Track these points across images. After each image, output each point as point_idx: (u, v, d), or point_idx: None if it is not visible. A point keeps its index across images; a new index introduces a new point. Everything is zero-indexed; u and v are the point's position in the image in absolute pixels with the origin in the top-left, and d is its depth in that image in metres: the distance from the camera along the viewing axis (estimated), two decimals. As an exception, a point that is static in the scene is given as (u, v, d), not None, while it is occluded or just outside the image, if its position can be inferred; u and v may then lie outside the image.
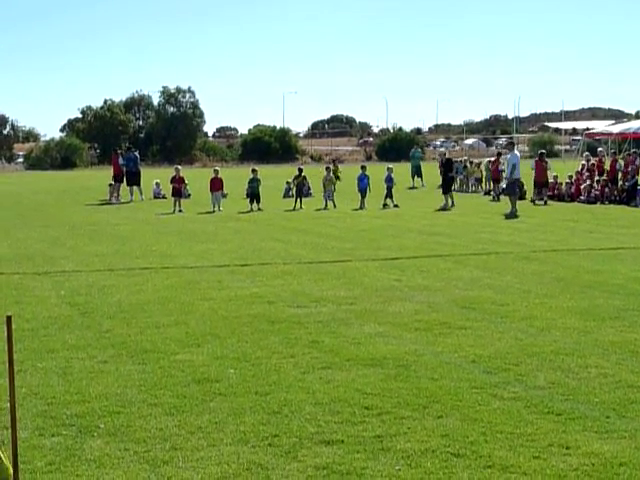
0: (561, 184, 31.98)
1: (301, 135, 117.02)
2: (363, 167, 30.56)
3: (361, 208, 28.33)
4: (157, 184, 35.72)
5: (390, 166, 31.56)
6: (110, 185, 34.52)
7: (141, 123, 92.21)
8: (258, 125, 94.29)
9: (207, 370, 8.40)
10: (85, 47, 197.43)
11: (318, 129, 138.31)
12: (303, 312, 11.16)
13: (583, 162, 33.52)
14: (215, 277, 14.19)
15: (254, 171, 29.61)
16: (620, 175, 30.80)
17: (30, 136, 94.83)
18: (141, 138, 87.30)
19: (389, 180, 29.71)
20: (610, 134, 41.01)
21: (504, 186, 30.04)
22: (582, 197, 30.48)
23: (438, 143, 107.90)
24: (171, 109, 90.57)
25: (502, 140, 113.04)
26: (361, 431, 6.63)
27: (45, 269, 15.28)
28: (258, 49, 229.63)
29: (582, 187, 30.87)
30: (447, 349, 9.15)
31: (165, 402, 7.42)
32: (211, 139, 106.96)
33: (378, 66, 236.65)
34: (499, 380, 7.98)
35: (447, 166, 30.32)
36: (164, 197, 34.01)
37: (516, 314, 10.89)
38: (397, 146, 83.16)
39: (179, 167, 31.64)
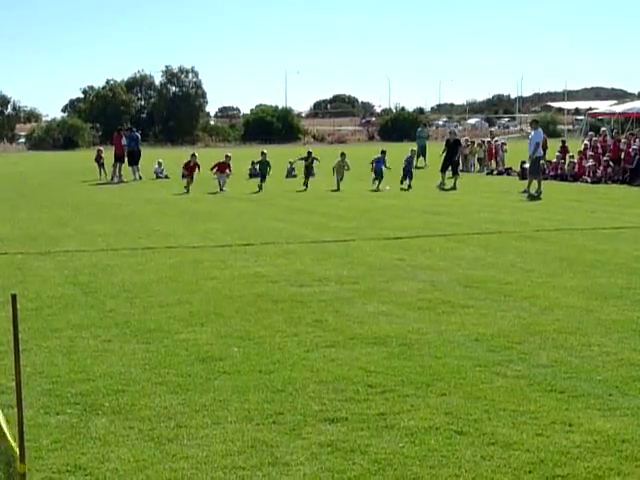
0: (564, 164, 31.91)
1: (303, 115, 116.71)
2: (383, 152, 29.69)
3: (376, 190, 27.98)
4: (159, 163, 35.63)
5: (414, 149, 31.48)
6: (98, 163, 34.90)
7: (143, 103, 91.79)
8: (260, 105, 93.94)
9: (211, 349, 8.42)
10: (87, 27, 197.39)
11: (320, 109, 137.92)
12: (306, 291, 11.17)
13: (586, 142, 33.41)
14: (218, 256, 14.20)
15: (263, 154, 29.29)
16: (623, 155, 30.71)
17: (32, 116, 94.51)
18: (143, 118, 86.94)
19: (409, 161, 29.50)
20: (613, 114, 40.82)
21: (527, 166, 28.74)
22: (585, 177, 30.44)
23: (440, 123, 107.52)
24: (173, 89, 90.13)
25: (504, 120, 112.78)
26: (365, 409, 6.65)
27: (48, 249, 15.29)
28: (261, 29, 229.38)
29: (586, 166, 30.81)
30: (450, 328, 9.17)
31: (169, 381, 7.44)
32: (213, 119, 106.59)
33: (381, 45, 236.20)
34: (502, 358, 8.00)
35: (453, 147, 30.09)
36: (166, 177, 33.98)
37: (519, 293, 10.90)
38: (399, 126, 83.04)
39: (196, 154, 30.78)
